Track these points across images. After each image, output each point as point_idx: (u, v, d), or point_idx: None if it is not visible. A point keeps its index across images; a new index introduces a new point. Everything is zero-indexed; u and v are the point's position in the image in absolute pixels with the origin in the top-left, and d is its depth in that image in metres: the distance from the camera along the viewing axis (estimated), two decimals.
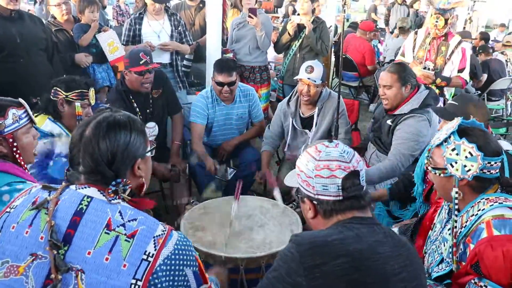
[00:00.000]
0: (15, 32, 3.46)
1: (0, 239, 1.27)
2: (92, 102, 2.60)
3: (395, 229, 2.19)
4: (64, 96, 2.51)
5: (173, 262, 1.23)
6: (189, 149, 3.67)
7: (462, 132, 1.69)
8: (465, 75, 3.99)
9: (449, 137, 1.69)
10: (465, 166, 1.64)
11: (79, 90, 2.53)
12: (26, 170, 1.92)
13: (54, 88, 2.52)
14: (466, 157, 1.64)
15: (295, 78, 3.49)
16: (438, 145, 1.73)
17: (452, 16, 3.93)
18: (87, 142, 1.30)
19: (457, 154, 1.66)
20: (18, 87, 3.18)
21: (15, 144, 1.84)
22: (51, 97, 2.52)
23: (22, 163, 1.88)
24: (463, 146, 1.65)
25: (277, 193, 2.73)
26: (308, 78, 3.30)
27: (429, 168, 1.79)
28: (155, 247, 1.22)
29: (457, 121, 1.72)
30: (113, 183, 1.29)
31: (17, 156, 1.85)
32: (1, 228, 1.28)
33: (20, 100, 1.90)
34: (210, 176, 3.48)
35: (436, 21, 3.87)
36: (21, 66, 3.50)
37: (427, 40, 4.03)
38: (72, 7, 4.35)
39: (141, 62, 3.22)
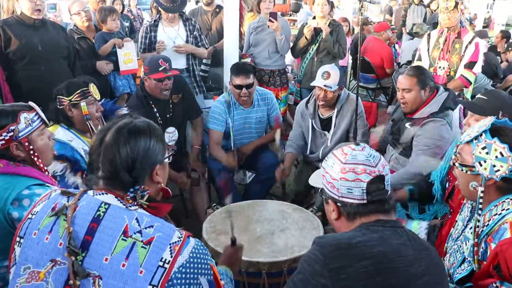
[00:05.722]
0: (37, 40, 3.53)
1: (23, 245, 1.29)
2: (97, 97, 2.59)
3: (424, 223, 2.17)
4: (68, 101, 2.50)
5: (188, 270, 1.23)
6: (208, 154, 3.70)
7: (494, 131, 1.66)
8: (476, 69, 3.93)
9: (481, 135, 1.66)
10: (494, 166, 1.61)
11: (80, 90, 2.51)
12: (46, 173, 1.94)
13: (57, 97, 2.51)
14: (496, 157, 1.61)
15: (311, 84, 3.48)
16: (468, 142, 1.70)
17: (461, 2, 3.88)
18: (108, 147, 1.30)
19: (487, 153, 1.63)
20: (38, 94, 3.21)
21: (31, 147, 1.85)
22: (58, 106, 2.51)
23: (41, 165, 1.90)
24: (495, 145, 1.62)
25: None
26: (324, 85, 3.30)
27: (456, 164, 1.75)
28: (171, 254, 1.22)
29: (490, 119, 1.69)
30: (131, 189, 1.30)
31: (35, 159, 1.87)
32: (24, 235, 1.31)
33: (30, 103, 1.91)
34: (230, 180, 3.50)
35: (447, 3, 3.81)
36: (42, 73, 3.56)
37: (440, 40, 4.00)
38: (92, 15, 4.43)
39: (160, 69, 3.25)
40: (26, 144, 1.84)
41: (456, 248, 1.83)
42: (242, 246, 1.92)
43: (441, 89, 3.00)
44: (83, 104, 2.51)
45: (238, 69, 3.48)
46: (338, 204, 1.45)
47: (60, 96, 2.51)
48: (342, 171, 1.42)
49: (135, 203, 1.30)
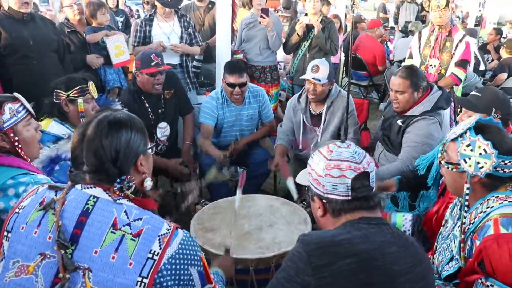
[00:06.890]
0: (27, 35, 3.52)
1: (11, 239, 1.30)
2: (95, 95, 2.60)
3: (408, 215, 2.19)
4: (66, 96, 2.50)
5: (177, 261, 1.25)
6: (199, 149, 3.70)
7: (478, 128, 1.68)
8: (468, 67, 3.97)
9: (465, 132, 1.68)
10: (478, 163, 1.63)
11: (79, 87, 2.52)
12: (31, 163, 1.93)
13: (55, 90, 2.52)
14: (480, 154, 1.63)
15: (301, 77, 3.50)
16: (453, 140, 1.73)
17: (452, 0, 3.90)
18: (90, 141, 1.31)
19: (471, 150, 1.65)
20: (30, 88, 3.22)
21: (16, 138, 1.85)
22: (54, 100, 2.52)
23: (25, 157, 1.89)
24: (478, 142, 1.64)
25: (291, 184, 2.74)
26: (313, 78, 3.31)
27: (442, 162, 1.78)
28: (160, 246, 1.24)
29: (474, 117, 1.72)
30: (118, 180, 1.31)
31: (19, 151, 1.86)
32: (11, 229, 1.31)
33: (15, 94, 1.91)
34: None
35: (438, 1, 3.84)
36: (34, 67, 3.56)
37: (431, 38, 4.03)
38: (84, 8, 4.40)
39: (152, 64, 3.25)
40: (11, 135, 1.84)
41: (445, 246, 1.85)
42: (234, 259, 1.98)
43: (434, 88, 3.01)
44: (80, 101, 2.52)
45: (232, 67, 3.48)
46: (324, 200, 1.47)
47: (58, 90, 2.52)
48: (327, 167, 1.44)
49: (123, 195, 1.31)
